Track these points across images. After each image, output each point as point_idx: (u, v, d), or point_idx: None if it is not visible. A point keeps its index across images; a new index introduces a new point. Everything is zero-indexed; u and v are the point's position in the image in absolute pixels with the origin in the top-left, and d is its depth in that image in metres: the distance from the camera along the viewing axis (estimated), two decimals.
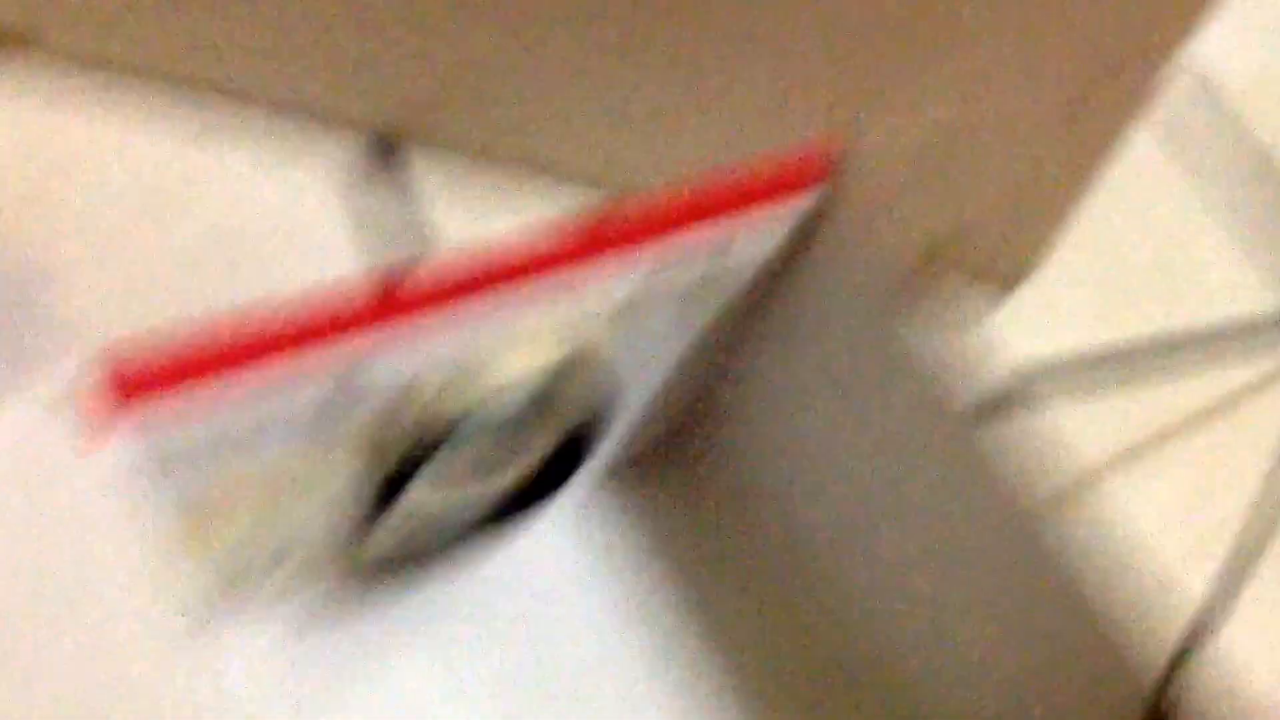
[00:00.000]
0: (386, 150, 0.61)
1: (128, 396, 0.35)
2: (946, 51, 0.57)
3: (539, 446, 0.46)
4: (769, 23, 0.57)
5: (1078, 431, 0.64)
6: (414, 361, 0.40)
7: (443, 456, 0.42)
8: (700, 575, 0.54)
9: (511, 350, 0.42)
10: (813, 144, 0.46)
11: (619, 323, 0.45)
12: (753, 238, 0.47)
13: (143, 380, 0.35)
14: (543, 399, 0.43)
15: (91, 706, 0.45)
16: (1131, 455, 0.64)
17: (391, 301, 0.38)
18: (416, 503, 0.44)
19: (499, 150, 0.63)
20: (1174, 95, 0.76)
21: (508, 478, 0.46)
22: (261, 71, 0.61)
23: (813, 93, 0.59)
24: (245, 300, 0.52)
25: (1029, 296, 0.67)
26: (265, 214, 0.59)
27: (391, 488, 0.43)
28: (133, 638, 0.46)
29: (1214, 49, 0.78)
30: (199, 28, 0.59)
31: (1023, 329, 0.66)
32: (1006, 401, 0.63)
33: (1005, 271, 0.66)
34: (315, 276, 0.56)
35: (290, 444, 0.40)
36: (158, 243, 0.57)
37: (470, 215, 0.62)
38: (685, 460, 0.56)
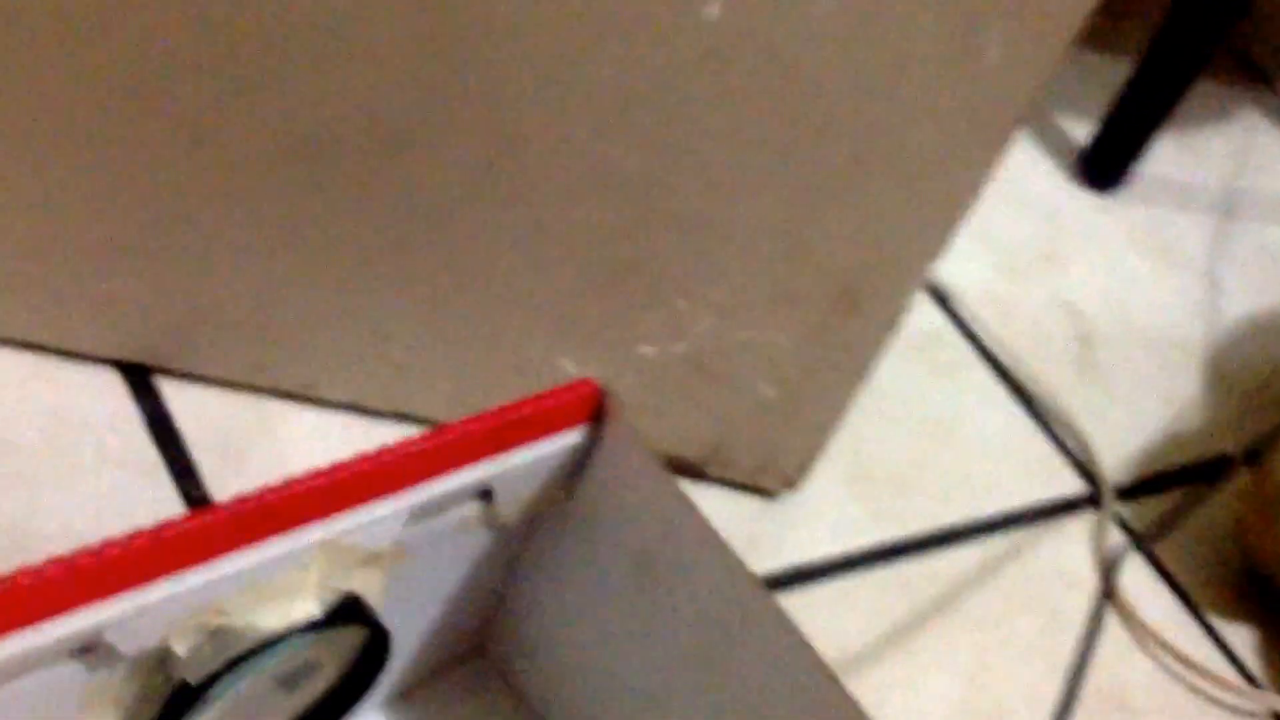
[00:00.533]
0: (138, 382, 0.60)
1: None
2: (697, 283, 0.59)
3: (314, 689, 0.45)
4: (525, 261, 0.58)
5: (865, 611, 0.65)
6: (163, 621, 0.39)
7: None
8: None
9: (269, 607, 0.41)
10: (576, 382, 0.47)
11: (388, 565, 0.44)
12: (519, 477, 0.47)
13: None
14: (309, 648, 0.43)
15: None
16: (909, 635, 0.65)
17: (138, 560, 0.37)
18: None
19: (253, 380, 0.62)
20: (919, 308, 0.81)
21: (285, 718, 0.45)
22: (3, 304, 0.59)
23: (569, 323, 0.60)
24: None
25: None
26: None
27: None
28: None
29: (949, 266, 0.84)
30: None
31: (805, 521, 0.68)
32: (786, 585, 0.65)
33: (776, 477, 0.67)
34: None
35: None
36: None
37: (223, 448, 0.60)
38: (482, 675, 0.56)
